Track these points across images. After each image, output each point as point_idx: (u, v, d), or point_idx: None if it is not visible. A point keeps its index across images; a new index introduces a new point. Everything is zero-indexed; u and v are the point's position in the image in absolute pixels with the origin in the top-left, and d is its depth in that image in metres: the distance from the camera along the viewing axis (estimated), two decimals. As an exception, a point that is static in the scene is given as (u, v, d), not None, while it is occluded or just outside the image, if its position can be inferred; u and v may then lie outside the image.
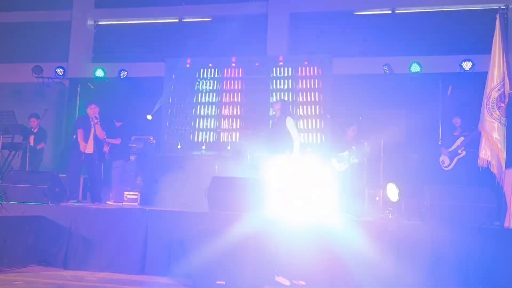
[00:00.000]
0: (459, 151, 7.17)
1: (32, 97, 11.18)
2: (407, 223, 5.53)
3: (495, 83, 5.68)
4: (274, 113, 7.64)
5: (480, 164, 5.63)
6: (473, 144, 7.08)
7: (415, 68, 10.28)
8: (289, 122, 7.39)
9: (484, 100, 5.72)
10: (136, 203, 8.76)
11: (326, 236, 5.28)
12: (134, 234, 5.76)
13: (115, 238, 5.80)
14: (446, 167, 7.38)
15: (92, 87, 11.53)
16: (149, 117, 10.77)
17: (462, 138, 7.19)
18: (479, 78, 7.36)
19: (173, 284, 5.24)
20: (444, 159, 7.40)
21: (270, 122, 7.78)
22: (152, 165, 10.10)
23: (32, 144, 9.33)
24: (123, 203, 8.28)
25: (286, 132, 7.35)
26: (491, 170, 5.53)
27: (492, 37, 5.92)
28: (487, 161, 5.57)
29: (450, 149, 7.31)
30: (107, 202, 8.42)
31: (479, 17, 10.64)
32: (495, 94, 5.62)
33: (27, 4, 12.52)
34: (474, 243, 4.89)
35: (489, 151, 5.56)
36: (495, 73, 5.70)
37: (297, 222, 5.47)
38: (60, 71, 11.87)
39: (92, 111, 8.17)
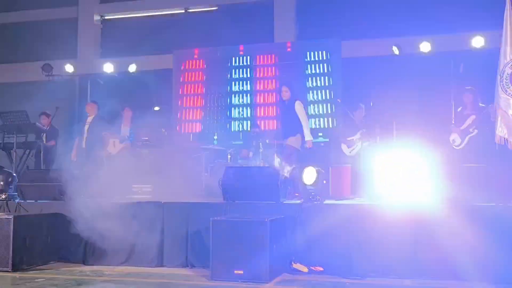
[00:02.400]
0: (471, 130, 7.04)
1: (42, 96, 11.21)
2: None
3: (508, 59, 5.58)
4: (284, 98, 7.61)
5: (497, 141, 5.54)
6: (484, 123, 6.97)
7: (425, 47, 10.15)
8: (297, 106, 7.41)
9: (498, 77, 5.62)
10: (150, 196, 8.80)
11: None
12: (151, 227, 5.79)
13: (132, 231, 5.83)
14: (457, 146, 7.25)
15: (102, 82, 11.56)
16: (156, 108, 10.82)
17: (473, 117, 7.06)
18: (492, 55, 7.25)
19: (192, 275, 5.27)
20: (455, 138, 7.27)
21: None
22: (165, 157, 10.13)
23: (45, 142, 9.40)
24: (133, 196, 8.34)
25: (295, 117, 7.38)
26: (508, 147, 5.44)
27: (503, 12, 5.80)
28: (504, 138, 5.49)
29: (462, 128, 7.19)
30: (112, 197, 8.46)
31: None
32: (508, 70, 5.53)
33: (33, 3, 12.54)
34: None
35: (506, 128, 5.47)
36: (508, 49, 5.60)
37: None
38: (69, 68, 11.90)
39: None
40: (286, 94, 7.54)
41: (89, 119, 8.72)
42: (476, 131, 7.04)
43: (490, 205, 5.03)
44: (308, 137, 7.47)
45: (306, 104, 10.42)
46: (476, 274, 4.69)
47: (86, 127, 8.62)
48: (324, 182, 5.79)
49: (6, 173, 6.68)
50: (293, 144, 7.30)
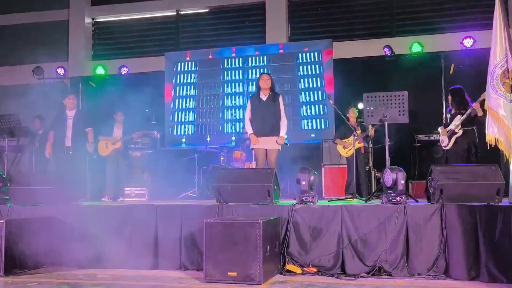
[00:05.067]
0: (456, 130, 7.10)
1: (34, 99, 11.18)
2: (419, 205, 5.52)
3: (498, 59, 5.62)
4: (262, 92, 7.12)
5: (488, 141, 5.58)
6: (469, 122, 7.07)
7: (416, 48, 10.22)
8: (282, 100, 7.14)
9: (488, 77, 5.66)
10: (144, 199, 8.80)
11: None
12: (144, 229, 5.78)
13: (126, 234, 5.83)
14: (445, 146, 7.34)
15: (94, 85, 11.54)
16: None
17: (459, 117, 7.12)
18: (482, 55, 7.30)
19: (185, 277, 5.27)
20: (444, 138, 7.35)
21: (250, 102, 7.27)
22: (158, 160, 10.14)
23: (37, 145, 9.37)
24: (125, 199, 8.33)
25: (278, 112, 7.08)
26: (499, 147, 5.48)
27: (492, 12, 5.84)
28: (495, 138, 5.52)
29: (448, 129, 7.25)
30: (102, 199, 8.35)
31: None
32: (498, 71, 5.56)
33: (24, 5, 12.51)
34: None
35: (496, 128, 5.51)
36: (498, 49, 5.63)
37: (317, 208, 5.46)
38: (61, 71, 11.88)
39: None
40: (268, 82, 7.10)
41: (70, 113, 8.15)
42: (461, 131, 7.11)
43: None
44: (284, 133, 7.12)
45: (299, 106, 10.51)
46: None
47: (69, 122, 8.06)
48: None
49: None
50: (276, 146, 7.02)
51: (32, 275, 5.45)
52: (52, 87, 11.82)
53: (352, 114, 8.32)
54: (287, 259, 5.33)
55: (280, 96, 7.22)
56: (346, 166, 8.52)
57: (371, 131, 8.09)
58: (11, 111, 9.19)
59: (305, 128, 10.57)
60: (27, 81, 11.91)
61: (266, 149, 7.05)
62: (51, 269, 5.77)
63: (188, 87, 11.36)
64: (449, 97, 7.49)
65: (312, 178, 5.73)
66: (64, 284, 5.03)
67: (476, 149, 7.09)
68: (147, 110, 10.81)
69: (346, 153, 8.19)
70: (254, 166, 8.79)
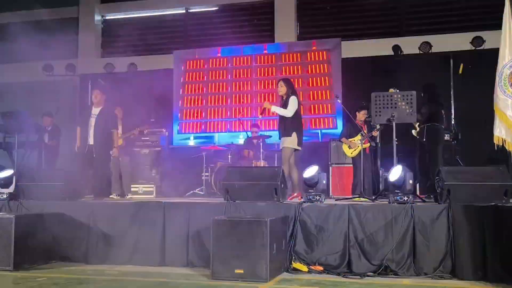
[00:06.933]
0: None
1: (44, 95, 11.27)
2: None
3: (506, 60, 5.62)
4: (279, 93, 7.33)
5: (495, 142, 5.57)
6: None
7: (424, 47, 10.17)
8: (291, 100, 7.13)
9: (497, 78, 5.65)
10: (152, 196, 8.85)
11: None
12: (152, 226, 5.82)
13: (134, 231, 5.87)
14: None
15: (103, 82, 11.59)
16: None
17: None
18: (491, 55, 7.27)
19: (193, 274, 5.30)
20: None
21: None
22: (166, 157, 10.18)
23: (46, 142, 9.45)
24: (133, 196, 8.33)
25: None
26: (506, 148, 5.48)
27: (502, 12, 5.83)
28: (502, 139, 5.51)
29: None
30: (110, 196, 7.94)
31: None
32: (507, 71, 5.56)
33: (34, 3, 12.58)
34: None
35: (504, 129, 5.50)
36: (506, 50, 5.63)
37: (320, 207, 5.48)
38: (70, 68, 11.95)
39: None
40: (281, 88, 7.27)
41: (95, 110, 7.64)
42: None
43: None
44: (273, 109, 7.22)
45: (308, 104, 10.49)
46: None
47: (92, 120, 7.57)
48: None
49: (7, 172, 6.70)
50: (289, 144, 7.09)
51: (41, 270, 5.50)
52: (61, 84, 11.91)
53: (362, 116, 8.26)
54: (293, 257, 5.35)
55: (292, 98, 7.16)
56: (352, 165, 8.49)
57: (375, 132, 8.08)
58: (20, 107, 9.25)
59: (313, 127, 10.57)
60: (36, 78, 11.99)
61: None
62: (59, 265, 5.82)
63: (197, 85, 11.39)
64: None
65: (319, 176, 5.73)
66: (72, 279, 5.08)
67: None
68: (154, 108, 10.84)
69: (351, 153, 8.17)
70: (262, 165, 8.83)
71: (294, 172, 7.03)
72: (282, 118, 7.19)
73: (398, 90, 6.25)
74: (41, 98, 11.13)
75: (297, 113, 7.19)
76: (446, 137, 8.40)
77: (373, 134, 8.06)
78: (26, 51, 11.26)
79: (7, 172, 6.67)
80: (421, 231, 5.11)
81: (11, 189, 6.53)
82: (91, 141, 7.49)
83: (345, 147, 8.31)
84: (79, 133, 7.65)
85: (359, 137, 7.97)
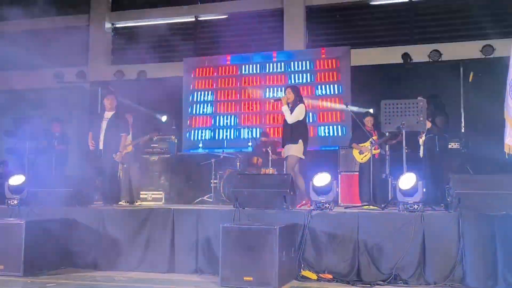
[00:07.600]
0: None
1: (54, 102, 11.35)
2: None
3: (517, 68, 5.59)
4: (288, 100, 7.24)
5: (506, 150, 5.54)
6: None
7: (434, 55, 10.16)
8: (298, 108, 7.12)
9: (507, 87, 5.63)
10: (161, 202, 8.86)
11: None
12: (161, 233, 5.84)
13: (143, 237, 5.89)
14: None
15: (113, 89, 11.65)
16: (164, 118, 10.81)
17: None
18: (501, 63, 7.25)
19: (201, 281, 5.30)
20: None
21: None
22: (175, 164, 10.20)
23: (56, 148, 9.52)
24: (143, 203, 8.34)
25: (298, 122, 7.12)
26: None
27: (512, 21, 5.82)
28: (513, 147, 5.49)
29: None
30: (119, 202, 7.82)
31: (498, 0, 10.42)
32: (517, 80, 5.54)
33: (45, 11, 12.70)
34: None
35: (515, 138, 5.48)
36: (517, 58, 5.61)
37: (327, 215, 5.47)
38: (80, 75, 12.05)
39: None
40: (289, 96, 7.24)
41: (107, 114, 7.58)
42: None
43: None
44: (283, 108, 7.15)
45: (317, 112, 10.50)
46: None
47: (104, 124, 7.50)
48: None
49: (19, 178, 6.75)
50: (295, 153, 7.07)
51: (51, 276, 5.53)
52: (72, 91, 12.00)
53: (369, 123, 8.26)
54: (302, 265, 5.34)
55: (300, 106, 7.15)
56: (359, 172, 8.46)
57: (389, 141, 8.10)
58: (32, 114, 9.34)
59: (322, 135, 10.56)
60: (48, 85, 12.09)
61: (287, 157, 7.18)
62: (69, 271, 5.85)
63: (206, 92, 11.43)
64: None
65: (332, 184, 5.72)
66: (82, 285, 5.10)
67: None
68: (165, 116, 10.86)
69: (362, 159, 8.15)
70: (271, 172, 8.82)
71: (300, 180, 7.02)
72: (287, 126, 7.19)
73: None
74: (52, 105, 11.21)
75: (303, 122, 7.19)
76: (456, 145, 8.36)
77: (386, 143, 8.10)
78: (37, 58, 11.38)
79: (19, 178, 6.70)
80: (431, 239, 5.08)
81: (22, 195, 6.56)
82: (101, 145, 7.44)
83: (355, 152, 8.29)
84: (90, 137, 7.58)
85: (368, 143, 7.96)
